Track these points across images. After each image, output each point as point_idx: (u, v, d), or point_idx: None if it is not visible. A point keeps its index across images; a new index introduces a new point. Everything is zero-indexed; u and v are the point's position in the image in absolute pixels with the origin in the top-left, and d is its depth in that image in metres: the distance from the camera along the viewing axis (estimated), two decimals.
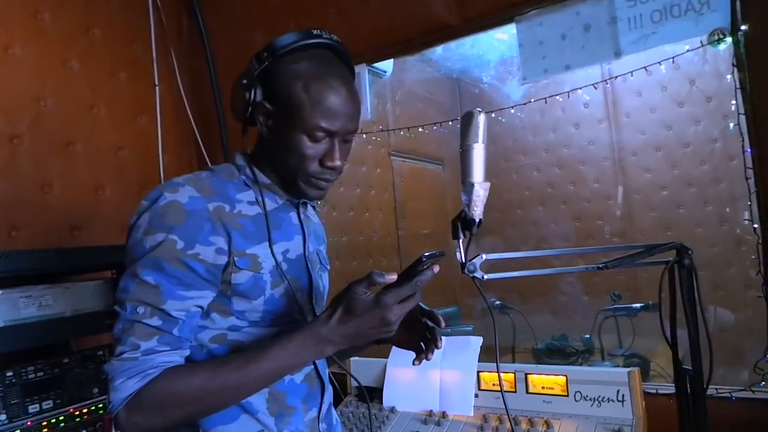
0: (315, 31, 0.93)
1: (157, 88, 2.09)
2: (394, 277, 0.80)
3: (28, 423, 1.21)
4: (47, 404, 1.26)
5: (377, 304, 0.79)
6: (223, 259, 0.87)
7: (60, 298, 1.29)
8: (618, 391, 1.22)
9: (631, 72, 1.55)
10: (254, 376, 0.82)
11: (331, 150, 0.92)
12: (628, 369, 1.24)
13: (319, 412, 0.99)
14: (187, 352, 0.86)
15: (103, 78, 1.92)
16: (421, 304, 0.95)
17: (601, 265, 0.95)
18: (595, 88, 1.85)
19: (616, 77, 1.84)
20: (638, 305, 2.01)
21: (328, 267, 1.12)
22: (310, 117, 0.89)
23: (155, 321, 0.82)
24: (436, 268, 0.81)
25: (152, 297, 0.82)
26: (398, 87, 3.02)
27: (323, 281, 1.07)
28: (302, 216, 1.03)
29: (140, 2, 2.08)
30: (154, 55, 2.10)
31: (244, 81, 0.93)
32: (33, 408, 1.23)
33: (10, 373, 1.20)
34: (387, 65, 2.16)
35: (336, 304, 0.82)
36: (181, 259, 0.83)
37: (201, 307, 0.87)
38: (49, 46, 1.75)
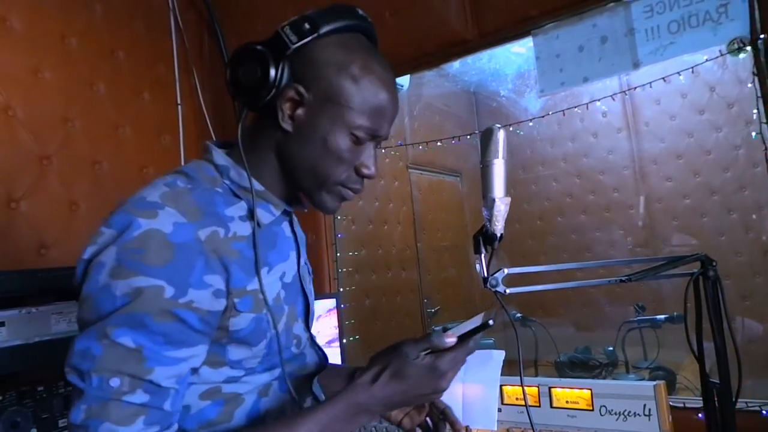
0: (360, 12, 0.78)
1: (179, 107, 2.14)
2: (454, 340, 0.70)
3: None
4: None
5: (433, 370, 0.68)
6: (221, 304, 0.68)
7: None
8: (644, 405, 1.21)
9: (650, 83, 1.54)
10: None
11: (370, 156, 0.78)
12: (654, 382, 1.22)
13: None
14: (176, 428, 0.67)
15: (128, 98, 1.97)
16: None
17: (624, 278, 0.94)
18: (613, 99, 1.84)
19: (635, 88, 1.83)
20: (662, 317, 1.98)
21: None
22: (359, 115, 0.74)
23: (139, 396, 0.62)
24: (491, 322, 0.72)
25: (132, 364, 0.61)
26: (416, 101, 3.05)
27: (312, 293, 0.92)
28: (294, 224, 0.88)
29: (162, 24, 2.14)
30: (176, 75, 2.15)
31: (261, 50, 0.74)
32: (62, 422, 1.25)
33: (41, 388, 1.23)
34: (403, 79, 2.19)
35: (381, 367, 0.70)
36: (170, 311, 0.63)
37: (194, 369, 0.69)
38: (76, 69, 1.81)
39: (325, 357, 0.92)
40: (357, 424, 0.70)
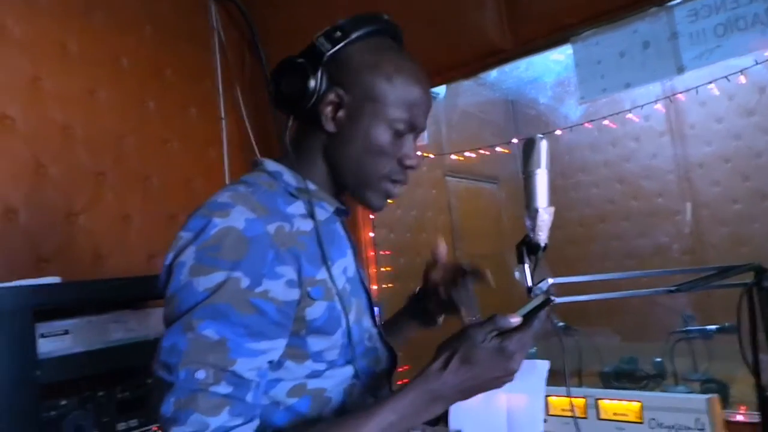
0: (386, 17, 0.84)
1: (223, 121, 2.22)
2: (519, 320, 0.71)
3: None
4: (133, 422, 1.34)
5: (501, 352, 0.69)
6: (295, 293, 0.72)
7: (144, 322, 1.38)
8: (697, 419, 1.17)
9: (696, 88, 1.51)
10: None
11: (410, 147, 0.83)
12: (707, 396, 1.19)
13: None
14: (257, 423, 0.68)
15: (176, 114, 2.05)
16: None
17: (672, 289, 0.93)
18: (656, 106, 1.80)
19: (681, 92, 1.79)
20: (714, 327, 1.91)
21: None
22: (396, 108, 0.79)
23: (224, 387, 0.64)
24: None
25: (216, 355, 0.64)
26: (452, 110, 3.05)
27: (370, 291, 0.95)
28: (345, 226, 0.92)
29: (207, 43, 2.22)
30: (220, 90, 2.23)
31: (300, 61, 0.79)
32: (121, 426, 1.31)
33: (101, 393, 1.29)
34: (440, 88, 2.20)
35: (449, 354, 0.70)
36: (249, 301, 0.67)
37: (272, 362, 0.71)
38: (128, 88, 1.90)
39: (394, 353, 0.93)
40: (432, 412, 0.70)
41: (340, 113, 0.80)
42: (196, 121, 2.13)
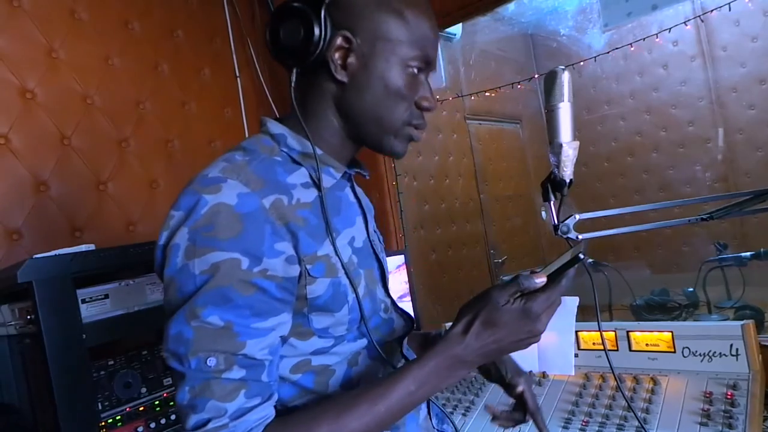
0: None
1: (238, 79, 2.20)
2: (543, 279, 0.66)
3: (164, 395, 1.37)
4: None
5: (525, 314, 0.65)
6: (294, 270, 0.68)
7: None
8: (731, 345, 1.17)
9: (729, 4, 1.42)
10: (384, 419, 0.65)
11: (427, 89, 0.77)
12: (742, 322, 1.18)
13: (428, 408, 0.89)
14: (276, 397, 0.67)
15: (190, 76, 2.04)
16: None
17: (705, 216, 0.90)
18: (687, 26, 1.70)
19: (712, 11, 1.68)
20: (748, 254, 1.87)
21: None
22: (410, 46, 0.73)
23: (236, 372, 0.63)
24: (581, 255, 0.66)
25: (225, 341, 0.62)
26: (470, 49, 2.96)
27: (385, 260, 0.88)
28: (356, 190, 0.86)
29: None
30: (232, 48, 2.19)
31: (299, 6, 0.72)
32: (167, 381, 1.38)
33: (145, 352, 1.35)
34: (456, 28, 2.12)
35: (471, 317, 0.67)
36: (250, 282, 0.64)
37: (283, 337, 0.69)
38: (141, 52, 1.88)
39: (410, 319, 0.90)
40: (455, 378, 0.68)
41: (351, 59, 0.73)
42: (211, 81, 2.11)
